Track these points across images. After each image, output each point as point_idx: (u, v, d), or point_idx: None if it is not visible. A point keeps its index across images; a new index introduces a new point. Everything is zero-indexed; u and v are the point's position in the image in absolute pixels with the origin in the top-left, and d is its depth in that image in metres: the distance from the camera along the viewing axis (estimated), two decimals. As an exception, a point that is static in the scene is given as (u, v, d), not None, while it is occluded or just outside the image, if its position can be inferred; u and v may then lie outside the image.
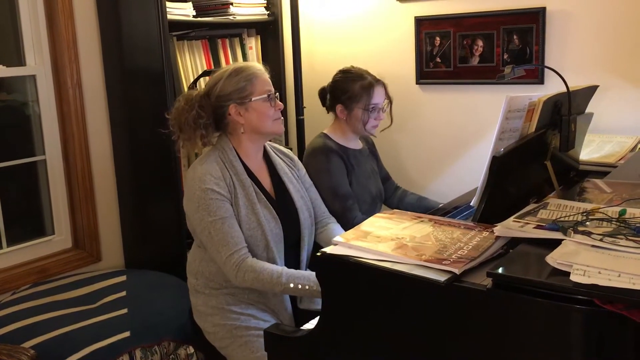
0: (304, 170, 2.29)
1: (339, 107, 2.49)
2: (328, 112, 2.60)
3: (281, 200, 2.11)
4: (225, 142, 2.07)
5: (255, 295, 2.03)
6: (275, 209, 2.05)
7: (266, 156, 2.18)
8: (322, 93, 2.60)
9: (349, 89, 2.45)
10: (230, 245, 1.92)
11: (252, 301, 2.03)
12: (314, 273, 1.92)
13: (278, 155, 2.23)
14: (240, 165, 2.05)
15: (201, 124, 2.01)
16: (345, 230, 2.20)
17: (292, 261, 2.10)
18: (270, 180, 2.14)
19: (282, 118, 2.11)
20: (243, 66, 2.08)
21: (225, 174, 2.00)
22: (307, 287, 1.89)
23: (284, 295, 2.05)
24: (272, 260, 2.00)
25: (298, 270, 1.96)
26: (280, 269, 1.93)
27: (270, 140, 2.22)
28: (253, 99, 2.02)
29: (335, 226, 2.27)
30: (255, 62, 2.12)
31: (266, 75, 2.09)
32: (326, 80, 2.61)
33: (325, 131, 2.55)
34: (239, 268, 1.91)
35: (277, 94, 2.11)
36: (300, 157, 2.54)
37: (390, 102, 2.54)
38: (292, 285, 1.89)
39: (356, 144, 2.59)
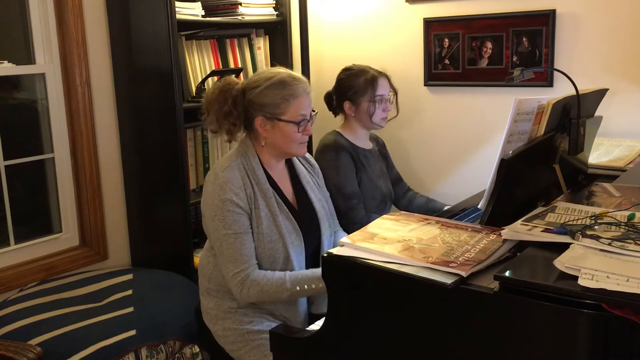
0: (323, 180, 2.24)
1: (346, 104, 2.53)
2: (335, 115, 2.62)
3: (303, 210, 2.07)
4: (249, 148, 2.00)
5: (267, 304, 2.00)
6: (296, 220, 2.01)
7: (288, 162, 2.13)
8: (328, 97, 2.64)
9: (354, 85, 2.52)
10: (237, 262, 1.90)
11: (265, 311, 2.00)
12: (318, 270, 1.91)
13: (300, 161, 2.17)
14: (263, 174, 1.99)
15: (231, 120, 1.96)
16: (348, 229, 2.21)
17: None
18: (292, 189, 2.09)
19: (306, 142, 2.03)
20: (289, 81, 1.95)
21: (247, 183, 1.94)
22: (313, 287, 1.87)
23: (298, 302, 2.02)
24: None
25: (301, 271, 1.94)
26: (283, 274, 1.90)
27: None
28: (282, 119, 1.94)
29: (342, 233, 2.25)
30: (304, 80, 1.99)
31: (307, 98, 1.98)
32: (334, 80, 2.63)
33: (337, 129, 2.57)
34: (243, 285, 1.90)
35: (315, 113, 2.01)
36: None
37: (396, 93, 2.60)
38: (298, 288, 1.87)
39: (366, 144, 2.60)
